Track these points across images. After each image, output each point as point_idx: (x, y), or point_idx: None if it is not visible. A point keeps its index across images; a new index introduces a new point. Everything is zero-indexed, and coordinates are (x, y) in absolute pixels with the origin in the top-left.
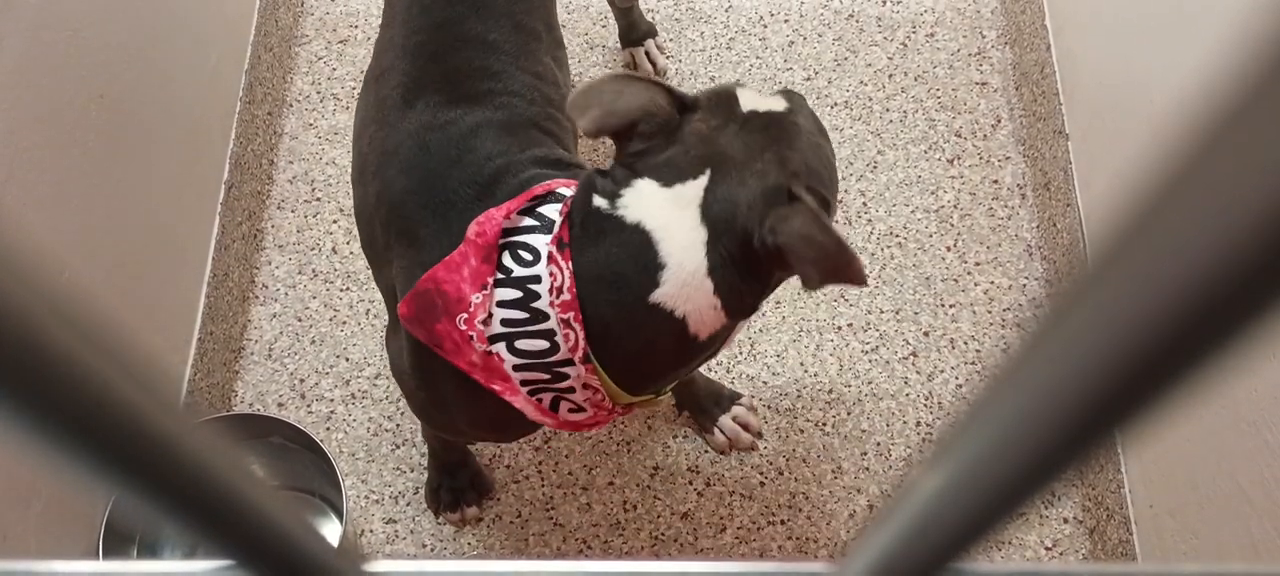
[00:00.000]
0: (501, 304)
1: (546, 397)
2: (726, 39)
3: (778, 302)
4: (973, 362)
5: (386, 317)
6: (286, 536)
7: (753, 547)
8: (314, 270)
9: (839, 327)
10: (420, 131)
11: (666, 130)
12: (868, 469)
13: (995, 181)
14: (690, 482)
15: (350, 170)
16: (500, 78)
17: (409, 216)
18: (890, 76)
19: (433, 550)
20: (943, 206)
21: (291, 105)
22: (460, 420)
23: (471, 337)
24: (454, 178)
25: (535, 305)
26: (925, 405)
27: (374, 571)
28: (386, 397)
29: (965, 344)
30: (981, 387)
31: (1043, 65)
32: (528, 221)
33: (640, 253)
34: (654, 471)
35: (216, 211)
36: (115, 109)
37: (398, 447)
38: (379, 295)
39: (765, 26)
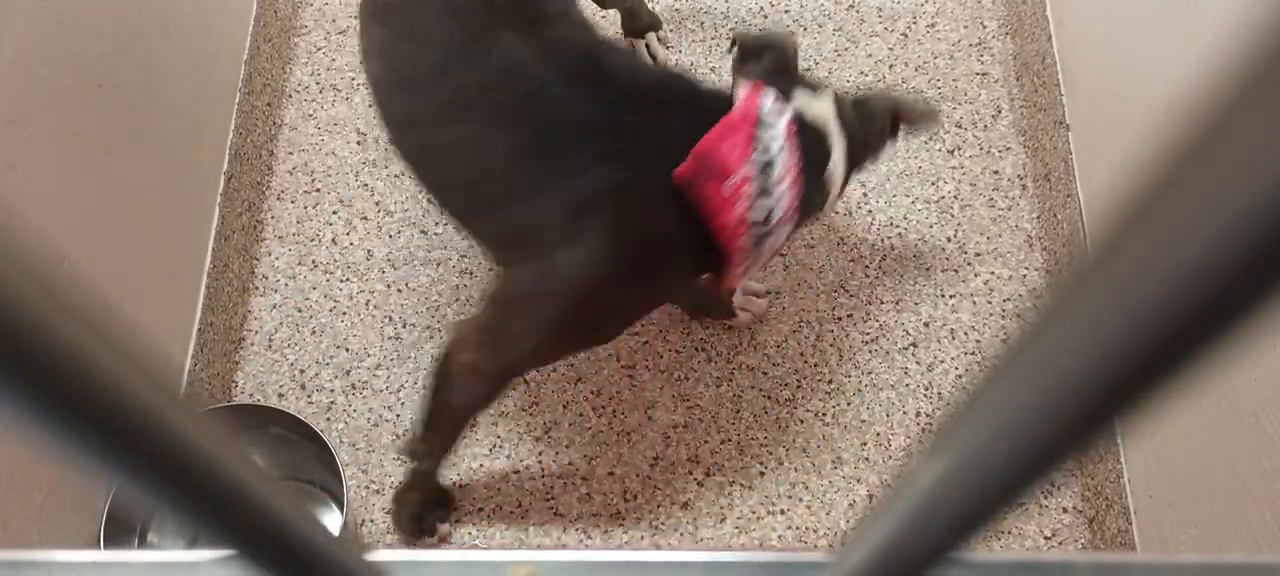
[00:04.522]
0: (750, 177)
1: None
2: (727, 30)
3: (778, 293)
4: (973, 353)
5: (385, 309)
6: (287, 526)
7: (752, 537)
8: (314, 261)
9: (839, 318)
10: (535, 60)
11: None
12: (867, 459)
13: (996, 172)
14: (690, 473)
15: (389, 142)
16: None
17: (566, 137)
18: (891, 67)
19: None
20: (943, 197)
21: (291, 96)
22: (614, 325)
23: (735, 204)
24: (608, 95)
25: (770, 181)
26: (925, 395)
27: (374, 561)
28: (386, 388)
29: (965, 334)
30: (981, 377)
31: (1043, 56)
32: (763, 111)
33: (821, 142)
34: (654, 462)
35: (216, 202)
36: (115, 99)
37: (398, 437)
38: (379, 286)
39: (766, 17)
